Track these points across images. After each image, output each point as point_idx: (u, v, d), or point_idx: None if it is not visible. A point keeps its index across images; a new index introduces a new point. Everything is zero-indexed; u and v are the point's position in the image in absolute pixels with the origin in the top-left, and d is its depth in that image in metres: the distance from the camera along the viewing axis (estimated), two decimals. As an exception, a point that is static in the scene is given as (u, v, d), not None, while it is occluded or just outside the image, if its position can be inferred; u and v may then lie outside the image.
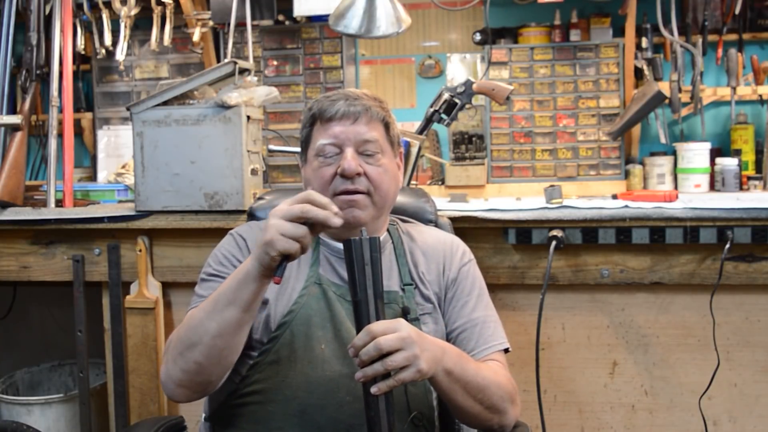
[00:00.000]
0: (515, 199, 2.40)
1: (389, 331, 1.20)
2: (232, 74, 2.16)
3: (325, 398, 1.38)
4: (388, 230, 1.61)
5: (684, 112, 2.64)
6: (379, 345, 1.18)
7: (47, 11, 2.49)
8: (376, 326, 1.20)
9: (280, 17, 2.76)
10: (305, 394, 1.39)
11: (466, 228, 2.06)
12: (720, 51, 2.69)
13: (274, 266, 1.23)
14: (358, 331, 1.22)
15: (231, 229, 1.67)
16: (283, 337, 1.44)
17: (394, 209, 1.73)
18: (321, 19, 2.71)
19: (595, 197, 2.42)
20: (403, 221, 1.69)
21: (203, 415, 1.57)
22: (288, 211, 1.23)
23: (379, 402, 1.20)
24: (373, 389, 1.19)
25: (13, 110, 2.62)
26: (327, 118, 1.48)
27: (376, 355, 1.18)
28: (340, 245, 1.53)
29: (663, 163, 2.63)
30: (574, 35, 2.67)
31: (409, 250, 1.58)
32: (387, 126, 1.52)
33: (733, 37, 2.70)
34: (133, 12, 2.74)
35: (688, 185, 2.58)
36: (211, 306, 1.32)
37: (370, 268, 1.22)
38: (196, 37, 2.73)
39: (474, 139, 2.80)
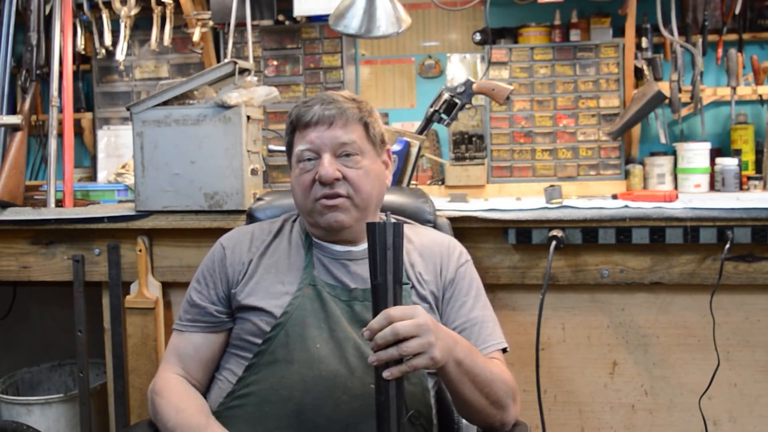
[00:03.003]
0: (515, 199, 2.40)
1: (407, 316, 1.20)
2: (232, 74, 2.16)
3: (322, 398, 1.38)
4: None
5: (684, 112, 2.64)
6: (396, 330, 1.19)
7: (47, 11, 2.49)
8: (394, 311, 1.20)
9: (280, 17, 2.77)
10: (301, 394, 1.39)
11: (466, 228, 2.06)
12: (720, 51, 2.69)
13: None
14: (375, 314, 1.22)
15: (231, 229, 1.68)
16: (278, 338, 1.44)
17: (393, 210, 1.73)
18: (321, 19, 2.71)
19: (595, 197, 2.42)
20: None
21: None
22: None
23: (390, 387, 1.20)
24: (386, 374, 1.19)
25: (13, 110, 2.62)
26: (304, 124, 1.49)
27: (392, 340, 1.19)
28: (333, 247, 1.54)
29: (663, 163, 2.63)
30: (574, 35, 2.67)
31: (406, 251, 1.57)
32: (366, 126, 1.52)
33: (733, 37, 2.70)
34: (133, 12, 2.74)
35: (688, 185, 2.58)
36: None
37: (392, 252, 1.22)
38: (196, 37, 2.73)
39: (474, 139, 2.80)
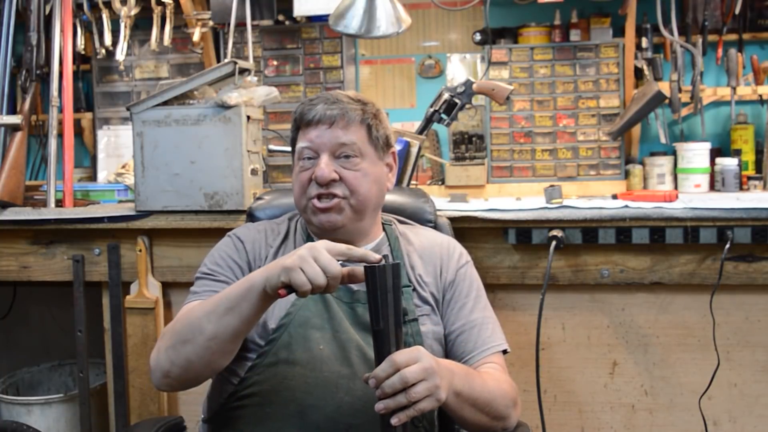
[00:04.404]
0: (515, 199, 2.40)
1: (412, 361, 1.18)
2: (232, 74, 2.16)
3: (324, 399, 1.38)
4: (384, 230, 1.61)
5: (684, 112, 2.64)
6: (405, 377, 1.17)
7: (47, 11, 2.49)
8: (400, 357, 1.18)
9: (280, 17, 2.76)
10: (303, 395, 1.38)
11: (466, 228, 2.06)
12: (720, 51, 2.69)
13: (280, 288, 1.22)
14: (378, 360, 1.20)
15: (231, 229, 1.68)
16: (281, 339, 1.44)
17: (393, 209, 1.73)
18: (321, 19, 2.71)
19: (595, 197, 2.42)
20: (401, 222, 1.68)
21: (201, 416, 1.57)
22: (332, 249, 1.22)
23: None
24: (394, 420, 1.17)
25: (13, 110, 2.63)
26: (306, 122, 1.50)
27: (400, 388, 1.17)
28: None
29: (663, 163, 2.63)
30: (574, 35, 2.67)
31: (406, 253, 1.57)
32: (369, 128, 1.51)
33: (733, 37, 2.70)
34: (133, 12, 2.74)
35: (688, 185, 2.58)
36: (210, 307, 1.32)
37: (392, 295, 1.19)
38: (196, 37, 2.74)
39: (474, 139, 2.80)
